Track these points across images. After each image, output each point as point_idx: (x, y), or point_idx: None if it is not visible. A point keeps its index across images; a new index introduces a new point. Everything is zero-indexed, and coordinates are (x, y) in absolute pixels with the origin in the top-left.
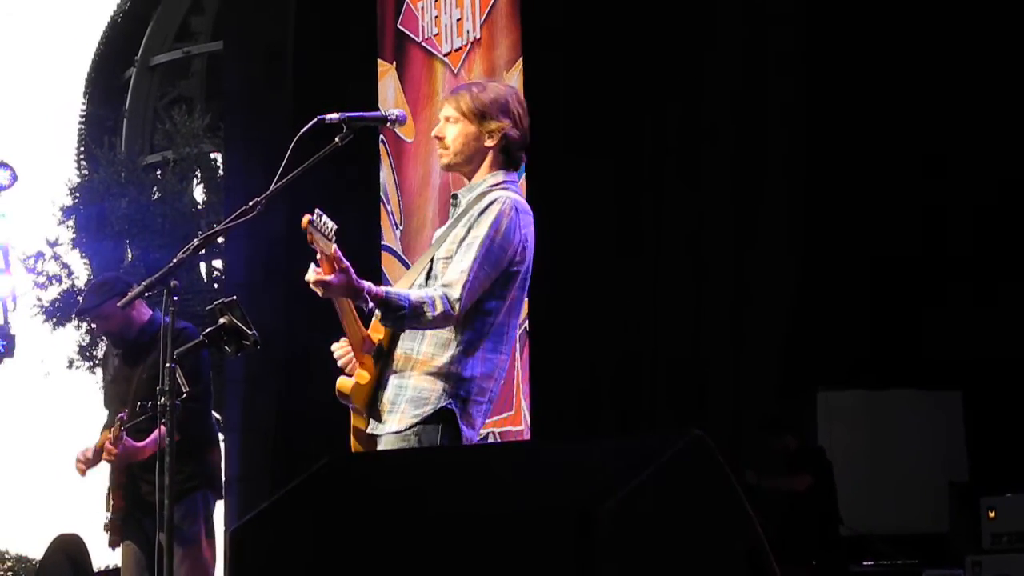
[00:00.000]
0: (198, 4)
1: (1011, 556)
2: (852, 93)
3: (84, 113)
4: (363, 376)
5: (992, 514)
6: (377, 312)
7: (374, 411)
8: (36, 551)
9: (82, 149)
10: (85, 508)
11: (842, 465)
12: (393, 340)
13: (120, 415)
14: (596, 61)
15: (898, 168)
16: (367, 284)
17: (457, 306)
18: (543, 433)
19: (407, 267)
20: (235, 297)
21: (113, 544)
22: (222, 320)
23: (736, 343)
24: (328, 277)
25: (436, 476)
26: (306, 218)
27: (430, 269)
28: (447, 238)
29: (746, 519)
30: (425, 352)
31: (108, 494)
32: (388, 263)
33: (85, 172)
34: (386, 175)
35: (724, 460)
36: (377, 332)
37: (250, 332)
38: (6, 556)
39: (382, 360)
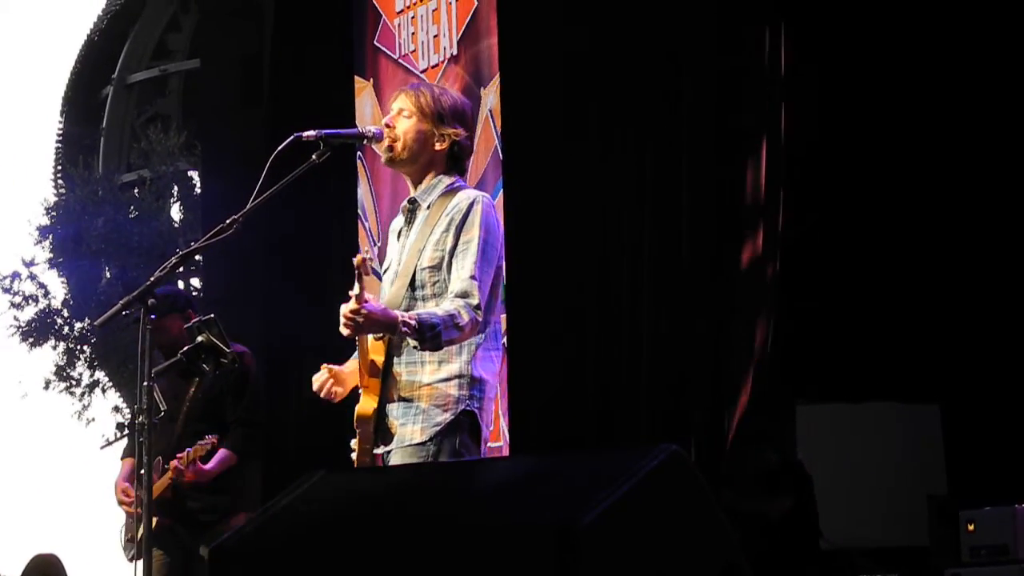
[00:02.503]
0: (175, 22)
1: (990, 569)
2: (832, 108)
3: (61, 132)
4: (372, 399)
5: (971, 527)
6: (372, 335)
7: (381, 431)
8: (13, 571)
9: (58, 168)
10: (62, 528)
11: (820, 479)
12: (388, 359)
13: (210, 438)
14: (574, 78)
15: (874, 180)
16: (398, 314)
17: (480, 313)
18: (522, 449)
19: None
20: (212, 315)
21: (135, 557)
22: (200, 338)
23: (714, 357)
24: (369, 305)
25: (417, 493)
26: (362, 256)
27: (412, 281)
28: (426, 246)
29: (724, 534)
30: (429, 363)
31: (136, 509)
32: (366, 279)
33: (62, 191)
34: (364, 192)
35: (702, 475)
36: (377, 354)
37: (228, 350)
38: None
39: (384, 380)
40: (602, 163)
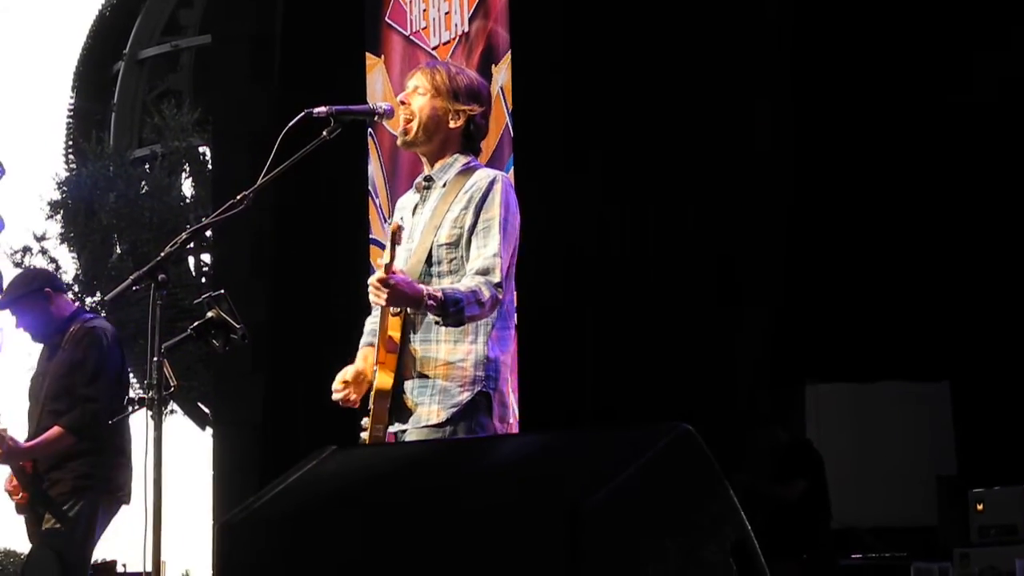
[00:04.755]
0: None
1: (999, 549)
2: (840, 82)
3: (72, 107)
4: (389, 375)
5: (980, 507)
6: (391, 310)
7: (398, 408)
8: (23, 545)
9: (70, 143)
10: None
11: (830, 458)
12: (405, 336)
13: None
14: (586, 57)
15: (883, 160)
16: (424, 287)
17: (500, 291)
18: (531, 427)
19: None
20: (223, 291)
21: (32, 539)
22: (210, 314)
23: (724, 337)
24: (396, 277)
25: (426, 469)
26: (398, 223)
27: (428, 257)
28: (443, 223)
29: (734, 513)
30: (445, 342)
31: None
32: (376, 257)
33: (73, 167)
34: (374, 169)
35: (712, 454)
36: (395, 330)
37: (238, 326)
38: None
39: (400, 357)
40: (612, 139)
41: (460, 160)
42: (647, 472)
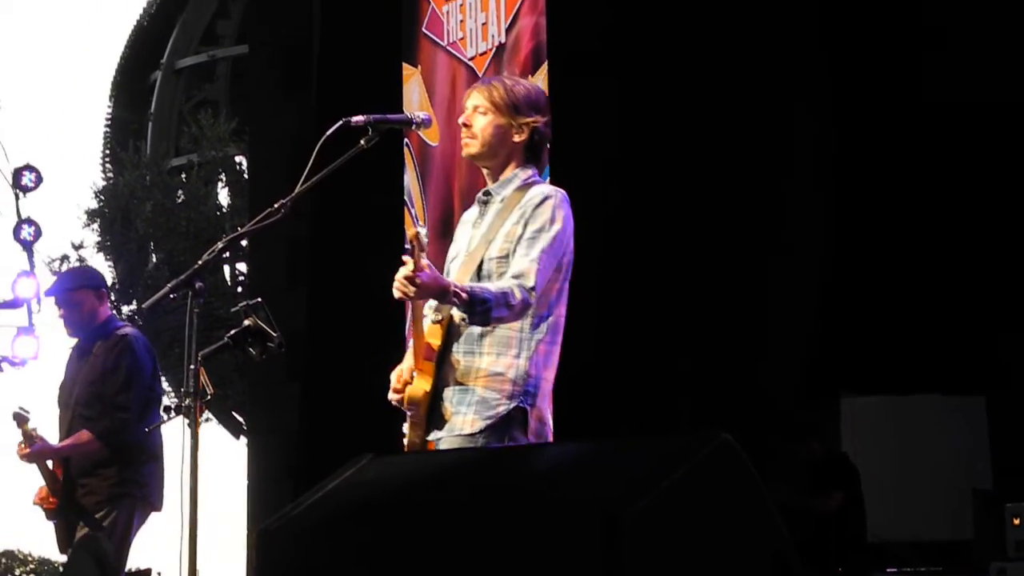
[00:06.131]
0: (224, 8)
1: None
2: (882, 94)
3: (110, 116)
4: (426, 381)
5: (1017, 521)
6: (434, 316)
7: (435, 417)
8: (58, 553)
9: (107, 152)
10: None
11: (865, 471)
12: (447, 344)
13: (18, 412)
14: (622, 67)
15: (923, 171)
16: (451, 281)
17: (533, 295)
18: (565, 435)
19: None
20: (260, 299)
21: (61, 546)
22: (247, 322)
23: (760, 348)
24: (423, 273)
25: (464, 476)
26: (416, 230)
27: (479, 269)
28: (497, 236)
29: (773, 522)
30: (488, 353)
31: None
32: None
33: (110, 175)
34: (410, 178)
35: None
36: (434, 337)
37: (275, 334)
38: (29, 559)
39: (440, 365)
40: (648, 147)
41: (520, 176)
42: (686, 481)
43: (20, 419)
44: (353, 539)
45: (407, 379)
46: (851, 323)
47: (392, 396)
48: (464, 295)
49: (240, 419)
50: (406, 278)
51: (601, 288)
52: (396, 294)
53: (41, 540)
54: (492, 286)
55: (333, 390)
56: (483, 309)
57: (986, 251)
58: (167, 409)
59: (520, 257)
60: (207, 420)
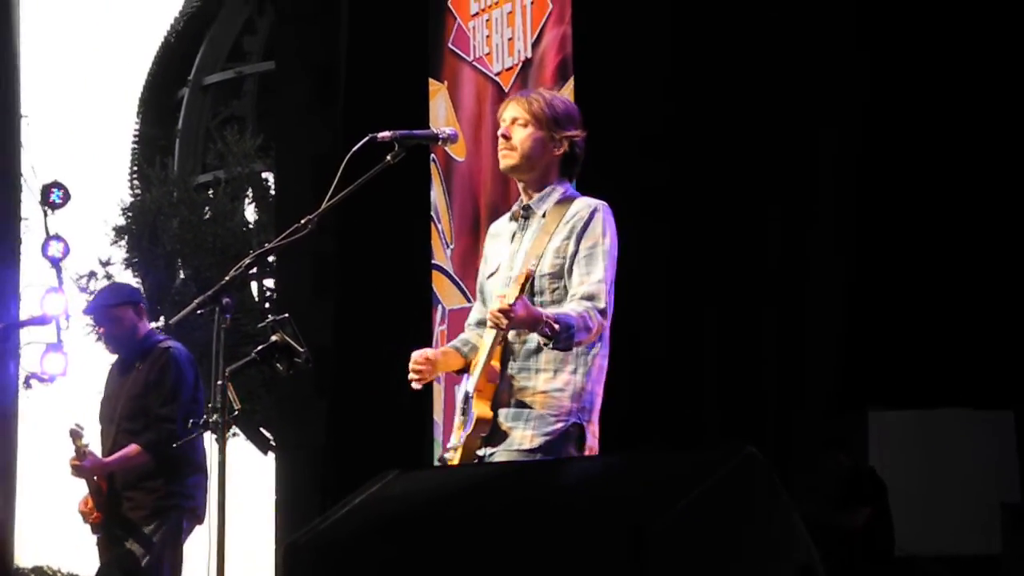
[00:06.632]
0: (251, 24)
1: None
2: (912, 105)
3: (137, 133)
4: (486, 404)
5: None
6: (490, 339)
7: (492, 434)
8: (87, 569)
9: (135, 169)
10: None
11: (893, 485)
12: (503, 363)
13: (74, 428)
14: (647, 81)
15: (949, 187)
16: (542, 311)
17: (605, 317)
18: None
19: (459, 286)
20: (287, 315)
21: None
22: (274, 338)
23: (787, 362)
24: (517, 304)
25: (491, 490)
26: (530, 270)
27: (531, 286)
28: (546, 252)
29: (799, 536)
30: (544, 371)
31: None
32: (439, 282)
33: (138, 192)
34: (437, 194)
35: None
36: (498, 360)
37: (302, 350)
38: (58, 573)
39: (499, 384)
40: (673, 162)
41: (558, 190)
42: (713, 494)
43: (75, 435)
44: (379, 554)
45: (429, 357)
46: (879, 337)
47: (412, 369)
48: (556, 325)
49: (267, 435)
50: (501, 311)
51: (628, 301)
52: (490, 323)
53: (70, 556)
54: (571, 310)
55: (360, 405)
56: (567, 335)
57: (1016, 266)
58: (195, 424)
59: (583, 275)
60: (234, 435)
